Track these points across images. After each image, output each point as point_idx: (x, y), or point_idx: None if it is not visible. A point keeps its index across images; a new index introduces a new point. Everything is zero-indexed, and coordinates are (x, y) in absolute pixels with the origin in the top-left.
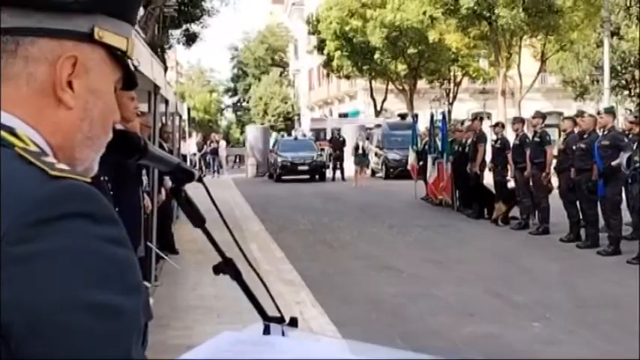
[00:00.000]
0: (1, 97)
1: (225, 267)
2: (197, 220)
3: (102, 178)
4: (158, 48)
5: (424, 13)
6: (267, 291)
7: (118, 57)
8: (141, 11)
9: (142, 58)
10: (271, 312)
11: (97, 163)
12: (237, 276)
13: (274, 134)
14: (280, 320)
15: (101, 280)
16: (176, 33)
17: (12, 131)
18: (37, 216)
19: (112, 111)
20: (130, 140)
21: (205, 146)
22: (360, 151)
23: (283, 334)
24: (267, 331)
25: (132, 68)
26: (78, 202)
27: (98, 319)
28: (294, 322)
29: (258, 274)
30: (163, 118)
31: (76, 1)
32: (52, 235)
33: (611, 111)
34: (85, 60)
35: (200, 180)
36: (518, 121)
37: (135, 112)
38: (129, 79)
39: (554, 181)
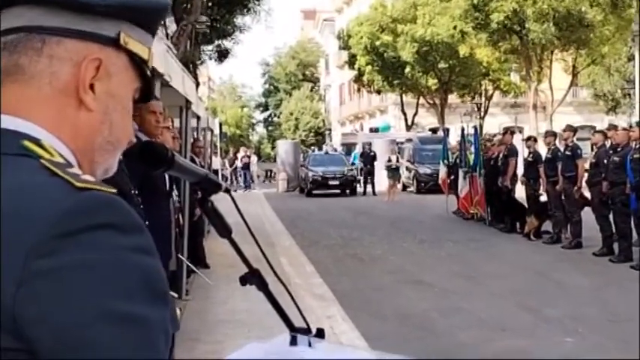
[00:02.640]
0: (22, 98)
1: (252, 277)
2: (223, 230)
3: (132, 192)
4: (190, 64)
5: (455, 27)
6: (294, 301)
7: (139, 66)
8: (173, 27)
9: (174, 73)
10: (298, 323)
11: (116, 164)
12: (263, 286)
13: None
14: (307, 331)
15: (127, 291)
16: (208, 49)
17: (37, 142)
18: (62, 229)
19: (130, 117)
20: (157, 151)
21: (237, 161)
22: (394, 166)
23: (310, 345)
24: (294, 342)
25: (150, 78)
26: (103, 213)
27: (126, 330)
28: (320, 334)
29: (284, 284)
30: (195, 133)
31: (106, 5)
32: (77, 248)
33: None
34: (109, 64)
35: (227, 191)
36: (550, 134)
37: (157, 125)
38: (146, 89)
39: (586, 194)
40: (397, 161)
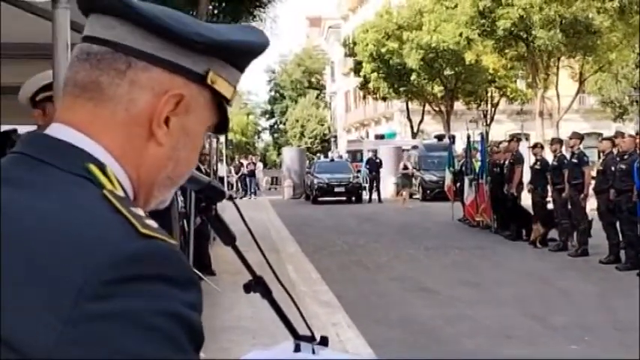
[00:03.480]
0: (94, 118)
1: (256, 285)
2: (227, 238)
3: None
4: None
5: (461, 34)
6: (298, 309)
7: (221, 104)
8: None
9: None
10: (303, 331)
11: (170, 197)
12: (267, 294)
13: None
14: (311, 339)
15: (175, 343)
16: None
17: (102, 167)
18: (120, 274)
19: (197, 153)
20: None
21: (242, 168)
22: (410, 173)
23: (314, 352)
24: (297, 349)
25: (228, 115)
26: (162, 265)
27: None
28: (324, 341)
29: (287, 292)
30: None
31: (202, 41)
32: (131, 295)
33: None
34: (190, 100)
35: (231, 199)
36: (556, 142)
37: None
38: (222, 124)
39: (593, 202)
40: (412, 168)
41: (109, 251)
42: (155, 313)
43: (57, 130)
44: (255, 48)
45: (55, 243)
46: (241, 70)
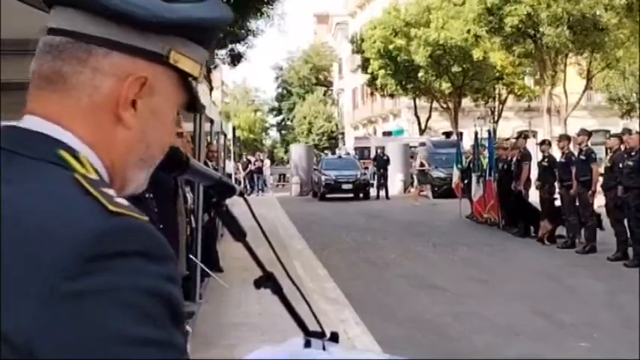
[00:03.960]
0: (61, 107)
1: (266, 281)
2: (238, 233)
3: (147, 196)
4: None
5: (468, 31)
6: (308, 305)
7: (187, 82)
8: None
9: None
10: (313, 328)
11: (147, 180)
12: (277, 290)
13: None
14: (321, 335)
15: (153, 317)
16: (221, 53)
17: (74, 153)
18: (92, 252)
19: (169, 134)
20: (172, 155)
21: (250, 165)
22: (426, 170)
23: (324, 348)
24: (307, 345)
25: (197, 93)
26: (134, 240)
27: (151, 354)
28: (334, 337)
29: (298, 288)
30: (208, 137)
31: (158, 22)
32: (105, 272)
33: None
34: (155, 82)
35: (241, 195)
36: (564, 138)
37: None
38: (192, 102)
39: (601, 199)
40: (429, 166)
41: (81, 231)
42: (130, 289)
43: (27, 122)
44: (214, 23)
45: (28, 230)
46: (205, 46)
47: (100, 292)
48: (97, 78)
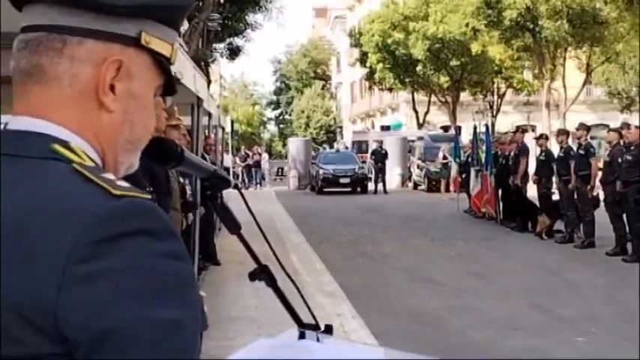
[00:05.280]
0: (44, 100)
1: (261, 273)
2: (233, 226)
3: (147, 189)
4: (202, 61)
5: (467, 25)
6: (302, 297)
7: (162, 63)
8: (185, 25)
9: (185, 71)
10: (307, 320)
11: (137, 161)
12: (272, 282)
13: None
14: (315, 327)
15: (164, 295)
16: (220, 47)
17: (66, 145)
18: (100, 235)
19: (151, 115)
20: (167, 147)
21: (248, 159)
22: (448, 162)
23: (318, 340)
24: (302, 337)
25: (173, 75)
26: (140, 220)
27: (163, 334)
28: (329, 330)
29: (292, 280)
30: (206, 131)
31: (126, 6)
32: (114, 253)
33: None
34: (130, 64)
35: (236, 187)
36: (563, 133)
37: (166, 122)
38: (169, 85)
39: (600, 193)
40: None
41: (88, 216)
42: (140, 267)
43: (17, 123)
44: (181, 4)
45: (37, 223)
46: (174, 27)
47: (112, 273)
48: (74, 66)
